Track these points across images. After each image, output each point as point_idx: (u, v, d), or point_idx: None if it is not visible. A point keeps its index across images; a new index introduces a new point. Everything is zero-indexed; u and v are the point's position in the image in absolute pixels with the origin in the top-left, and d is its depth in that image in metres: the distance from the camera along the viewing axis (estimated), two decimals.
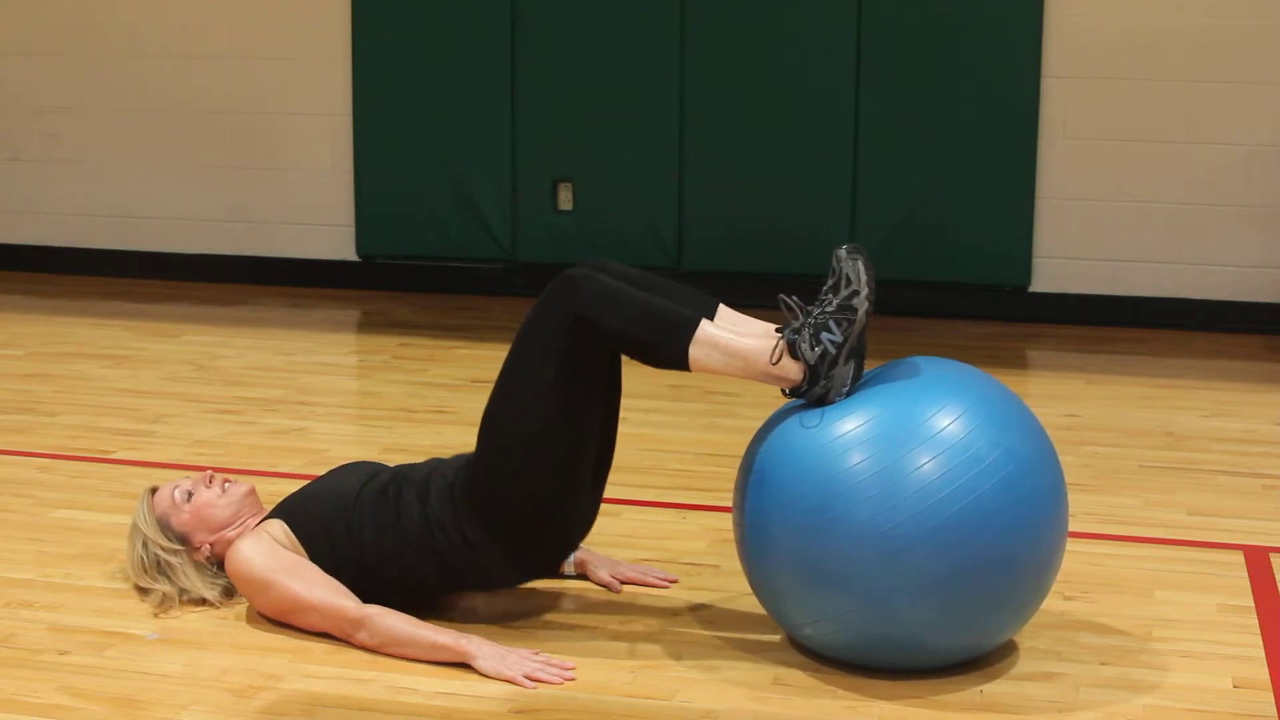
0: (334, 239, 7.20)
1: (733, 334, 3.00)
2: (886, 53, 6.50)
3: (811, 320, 2.96)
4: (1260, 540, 3.84)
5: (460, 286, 7.08)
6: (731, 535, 3.80)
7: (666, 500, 4.12)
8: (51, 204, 7.50)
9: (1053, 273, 6.55)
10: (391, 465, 3.39)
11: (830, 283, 2.97)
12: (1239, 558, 3.71)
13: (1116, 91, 6.37)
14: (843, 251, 2.97)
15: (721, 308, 3.14)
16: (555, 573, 3.37)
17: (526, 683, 2.97)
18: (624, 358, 3.12)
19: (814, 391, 2.97)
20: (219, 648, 3.14)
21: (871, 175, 6.59)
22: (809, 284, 6.90)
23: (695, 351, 2.98)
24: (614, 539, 3.72)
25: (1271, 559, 3.69)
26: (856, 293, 2.94)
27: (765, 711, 2.89)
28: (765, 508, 2.97)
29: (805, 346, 2.95)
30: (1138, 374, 5.68)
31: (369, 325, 6.59)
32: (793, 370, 2.97)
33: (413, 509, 3.19)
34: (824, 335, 2.94)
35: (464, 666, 3.03)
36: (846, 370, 2.96)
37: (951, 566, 2.82)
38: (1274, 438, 4.83)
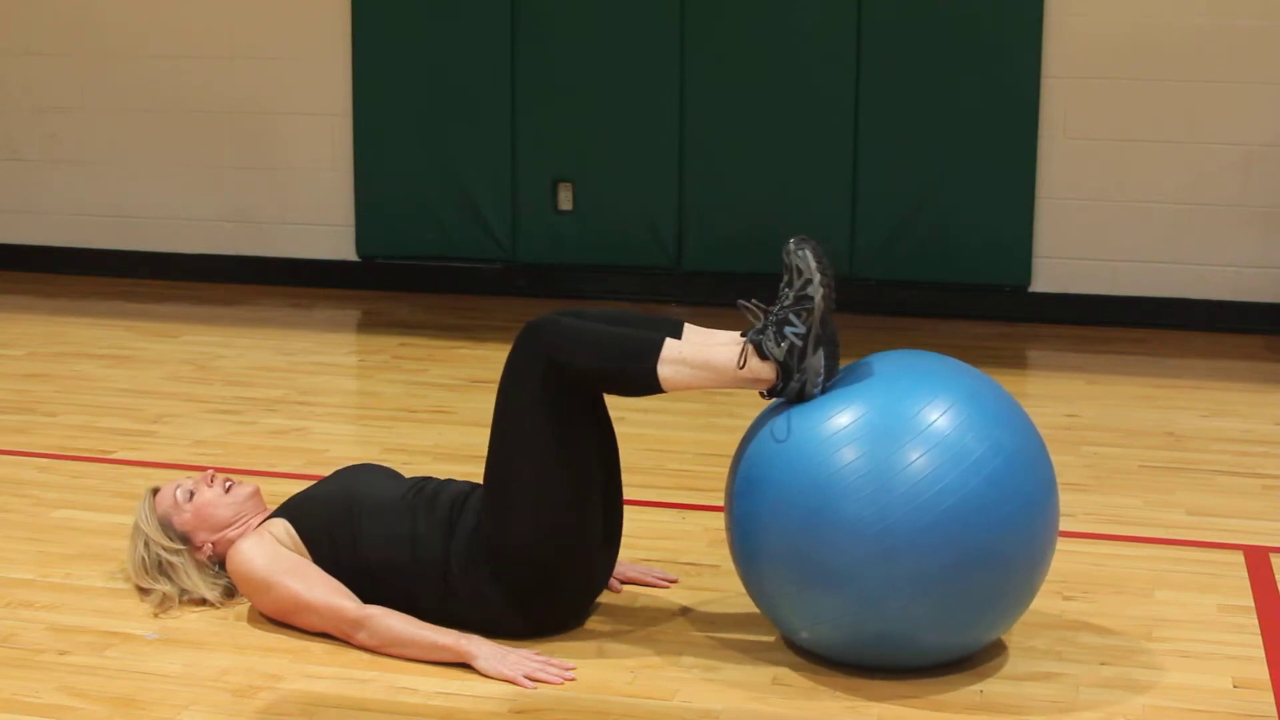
0: (334, 239, 7.19)
1: (699, 346, 3.00)
2: (886, 53, 6.50)
3: (773, 318, 2.97)
4: (1260, 540, 3.84)
5: (460, 286, 7.08)
6: None
7: (666, 500, 4.12)
8: (51, 204, 7.49)
9: (1053, 273, 6.55)
10: (396, 467, 3.38)
11: (785, 278, 2.98)
12: (1239, 558, 3.71)
13: (1116, 91, 6.37)
14: (790, 244, 2.98)
15: (688, 326, 3.12)
16: (566, 629, 3.32)
17: (526, 683, 2.97)
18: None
19: (790, 387, 2.97)
20: (219, 648, 3.14)
21: (871, 175, 6.59)
22: None
23: (664, 370, 2.98)
24: None
25: (1271, 559, 3.70)
26: (809, 280, 2.95)
27: (765, 711, 2.90)
28: (756, 510, 2.97)
29: (771, 344, 2.95)
30: (1138, 374, 5.68)
31: (369, 325, 6.59)
32: (764, 370, 2.97)
33: (435, 537, 3.16)
34: (787, 329, 2.95)
35: (464, 666, 3.03)
36: (818, 360, 2.95)
37: (943, 563, 2.82)
38: (1274, 438, 4.83)
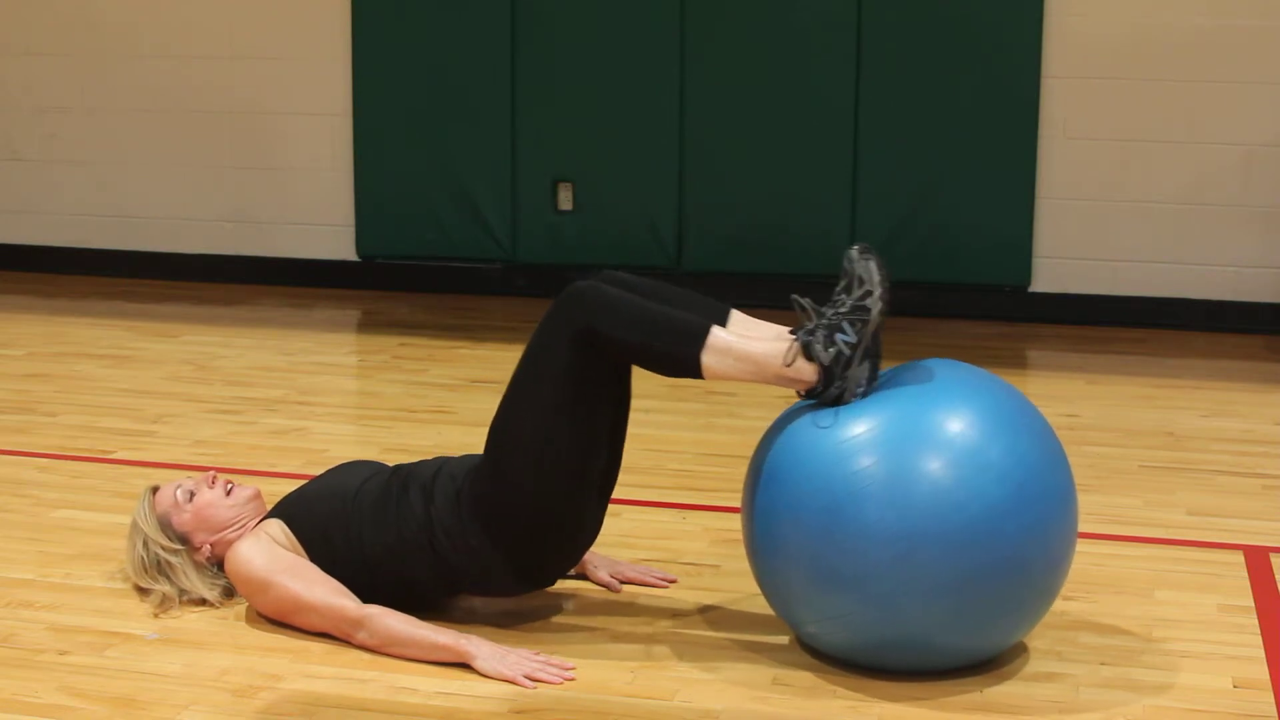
0: (334, 239, 7.20)
1: (745, 338, 2.99)
2: (886, 53, 6.50)
3: (825, 321, 2.95)
4: (1260, 540, 3.84)
5: (460, 286, 7.08)
6: (731, 535, 3.81)
7: (666, 500, 4.12)
8: (51, 204, 7.50)
9: (1053, 273, 6.56)
10: (390, 464, 3.39)
11: (843, 284, 2.96)
12: (1239, 558, 3.71)
13: (1116, 91, 6.37)
14: (854, 252, 2.96)
15: (734, 313, 3.11)
16: (553, 584, 3.35)
17: (526, 683, 2.97)
18: (634, 371, 3.11)
19: (829, 393, 2.95)
20: (219, 648, 3.14)
21: (871, 175, 6.59)
22: (808, 284, 6.88)
23: (708, 359, 2.96)
24: (614, 539, 3.72)
25: (1271, 559, 3.70)
26: (870, 293, 2.93)
27: (765, 711, 2.89)
28: (775, 508, 2.96)
29: (819, 347, 2.93)
30: (1138, 374, 5.68)
31: (369, 325, 6.59)
32: (807, 372, 2.95)
33: (416, 508, 3.18)
34: (838, 336, 2.93)
35: (464, 666, 3.03)
36: (861, 371, 2.94)
37: (962, 569, 2.82)
38: (1274, 438, 4.83)
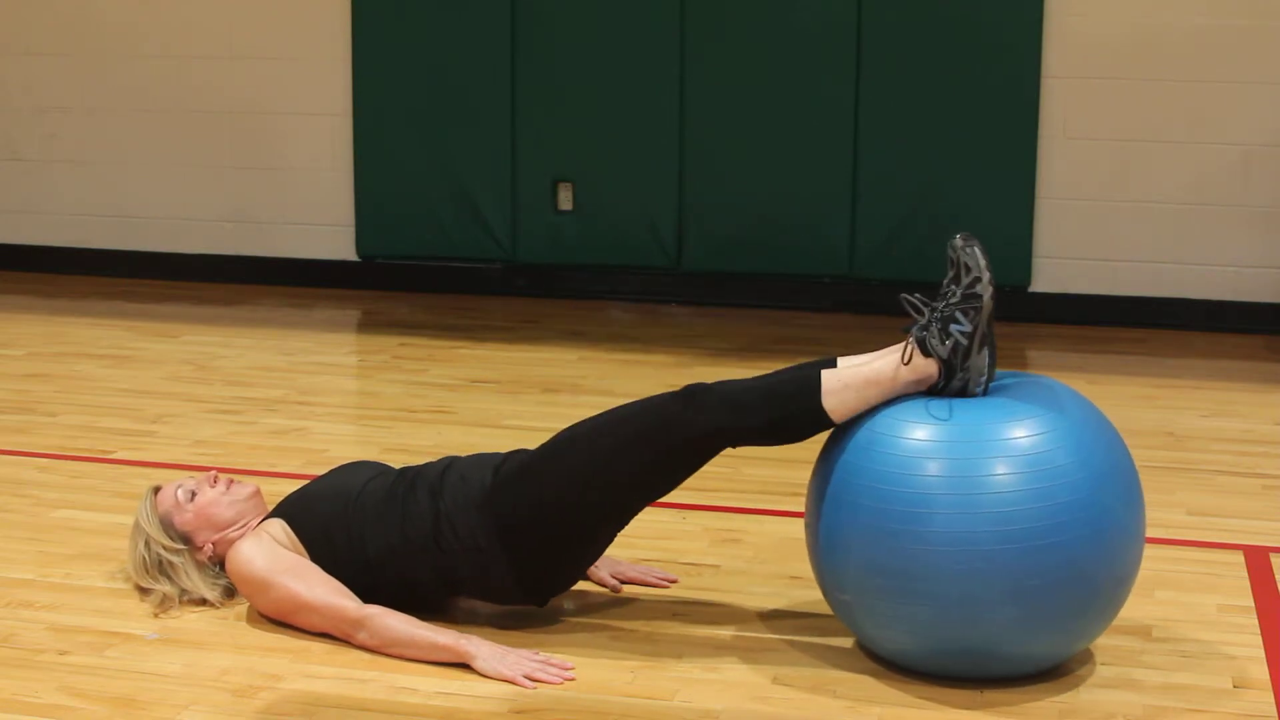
0: (334, 239, 7.20)
1: (854, 367, 2.96)
2: (886, 53, 6.50)
3: (938, 314, 2.93)
4: (1260, 540, 3.84)
5: (460, 286, 7.08)
6: (731, 535, 3.82)
7: (666, 500, 4.11)
8: (51, 204, 7.50)
9: (1053, 273, 6.55)
10: (395, 466, 3.39)
11: (950, 274, 2.95)
12: (1239, 558, 3.71)
13: (1116, 91, 6.37)
14: (958, 241, 2.95)
15: (840, 359, 3.06)
16: (544, 604, 3.31)
17: (526, 683, 2.97)
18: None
19: (951, 386, 2.94)
20: (219, 648, 3.14)
21: (871, 175, 6.59)
22: (808, 284, 6.88)
23: (829, 402, 2.94)
24: (614, 539, 3.71)
25: (1271, 559, 3.70)
26: (978, 279, 2.92)
27: (765, 711, 2.89)
28: (839, 514, 2.92)
29: (935, 342, 2.92)
30: (1138, 374, 5.68)
31: (369, 325, 6.59)
32: (928, 368, 2.93)
33: (422, 505, 3.18)
34: (953, 327, 2.92)
35: (464, 666, 3.03)
36: (981, 359, 2.92)
37: (1027, 578, 2.80)
38: (1274, 438, 4.83)
